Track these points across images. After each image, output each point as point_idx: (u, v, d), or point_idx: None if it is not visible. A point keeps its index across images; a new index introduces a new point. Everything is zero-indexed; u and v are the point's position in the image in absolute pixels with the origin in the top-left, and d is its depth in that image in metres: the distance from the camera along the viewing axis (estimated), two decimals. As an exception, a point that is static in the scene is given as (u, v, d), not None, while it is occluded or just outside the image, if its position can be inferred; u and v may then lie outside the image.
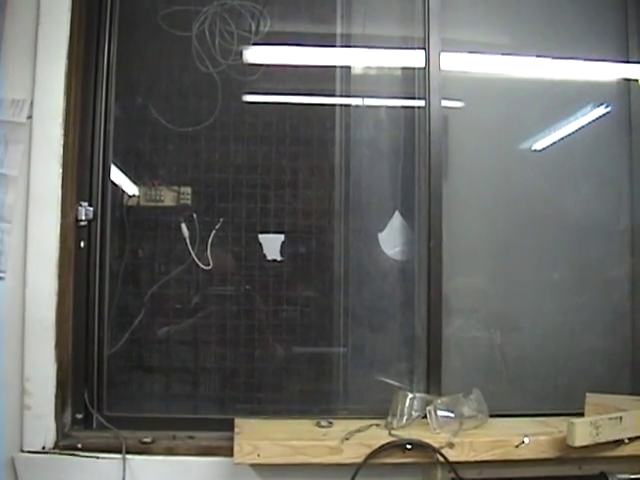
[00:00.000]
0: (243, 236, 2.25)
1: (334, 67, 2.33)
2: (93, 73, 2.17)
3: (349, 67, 2.34)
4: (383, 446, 1.85)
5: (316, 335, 2.25)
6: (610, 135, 2.42)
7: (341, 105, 2.32)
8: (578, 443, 1.80)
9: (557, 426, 1.98)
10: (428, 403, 1.99)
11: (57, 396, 1.99)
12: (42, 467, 1.93)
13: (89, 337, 2.12)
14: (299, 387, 2.24)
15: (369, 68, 2.39)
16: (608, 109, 2.42)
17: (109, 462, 1.94)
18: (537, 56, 2.39)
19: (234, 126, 2.26)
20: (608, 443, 1.86)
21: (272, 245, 2.28)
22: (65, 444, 1.98)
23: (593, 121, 2.42)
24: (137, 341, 2.19)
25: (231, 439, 1.89)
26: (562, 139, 2.40)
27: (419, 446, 1.86)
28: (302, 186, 2.31)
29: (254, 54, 2.26)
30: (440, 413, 1.96)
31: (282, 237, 2.30)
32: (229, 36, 2.19)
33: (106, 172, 2.18)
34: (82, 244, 2.12)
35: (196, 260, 2.21)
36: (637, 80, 2.40)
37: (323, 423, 2.04)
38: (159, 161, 2.26)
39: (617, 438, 1.87)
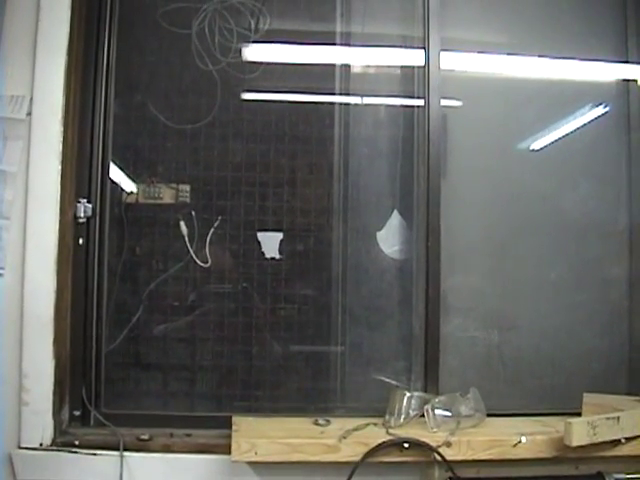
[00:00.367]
0: (241, 234, 2.25)
1: (333, 65, 2.33)
2: (93, 70, 2.16)
3: (348, 65, 2.34)
4: (380, 445, 1.85)
5: (314, 333, 2.25)
6: (609, 135, 2.42)
7: (340, 103, 2.32)
8: (575, 443, 1.80)
9: (554, 426, 1.98)
10: (425, 402, 1.99)
11: (55, 393, 1.98)
12: (39, 463, 1.93)
13: (87, 334, 2.12)
14: (297, 385, 2.24)
15: (368, 67, 2.39)
16: (607, 109, 2.42)
17: (106, 459, 1.94)
18: (536, 56, 2.39)
19: (233, 124, 2.26)
20: (605, 443, 1.86)
21: (270, 243, 2.28)
22: (63, 441, 1.98)
23: (592, 121, 2.42)
24: (135, 338, 2.19)
25: (229, 437, 1.89)
26: (561, 139, 2.40)
27: (416, 445, 1.86)
28: (301, 184, 2.30)
29: (253, 52, 2.26)
30: (437, 412, 1.96)
31: (280, 235, 2.30)
32: (228, 34, 2.19)
33: (105, 169, 2.17)
34: (81, 241, 2.12)
35: (194, 258, 2.21)
36: (636, 80, 2.40)
37: (320, 421, 2.04)
38: (158, 158, 2.26)
39: (614, 438, 1.87)
